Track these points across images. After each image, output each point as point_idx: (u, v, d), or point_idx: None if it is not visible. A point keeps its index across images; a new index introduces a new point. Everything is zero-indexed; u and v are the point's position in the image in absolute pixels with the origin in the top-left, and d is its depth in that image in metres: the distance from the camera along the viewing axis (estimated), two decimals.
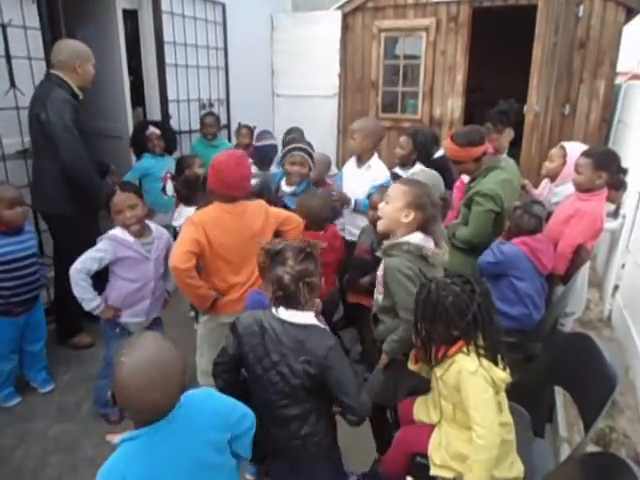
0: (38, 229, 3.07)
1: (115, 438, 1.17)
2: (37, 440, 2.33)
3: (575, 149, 2.81)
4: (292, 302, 1.46)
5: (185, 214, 2.83)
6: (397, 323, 1.85)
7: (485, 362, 1.49)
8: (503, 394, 1.56)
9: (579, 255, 2.46)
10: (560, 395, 2.42)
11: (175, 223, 2.99)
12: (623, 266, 3.36)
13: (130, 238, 2.28)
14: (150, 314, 2.43)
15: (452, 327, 1.50)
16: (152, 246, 2.35)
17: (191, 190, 3.02)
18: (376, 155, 3.15)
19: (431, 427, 1.68)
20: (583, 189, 2.57)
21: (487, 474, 1.42)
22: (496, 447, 1.44)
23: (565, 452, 2.13)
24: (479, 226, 2.58)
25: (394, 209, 1.84)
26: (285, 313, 1.48)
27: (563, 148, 2.90)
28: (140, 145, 3.63)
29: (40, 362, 2.67)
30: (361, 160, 3.15)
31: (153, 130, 3.57)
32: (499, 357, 1.51)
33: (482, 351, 1.49)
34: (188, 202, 2.97)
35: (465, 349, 1.50)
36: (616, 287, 3.40)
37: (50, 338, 3.01)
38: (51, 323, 3.11)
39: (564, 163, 2.85)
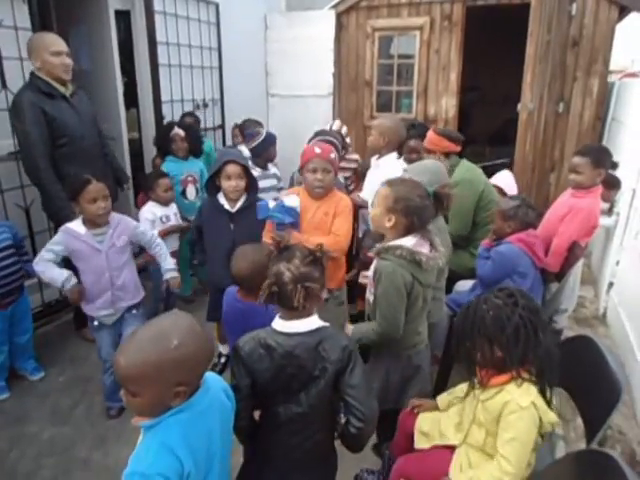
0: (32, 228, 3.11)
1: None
2: (31, 443, 2.31)
3: (502, 180, 3.24)
4: (284, 302, 1.36)
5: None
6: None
7: (540, 401, 1.38)
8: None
9: (573, 252, 2.46)
10: (555, 393, 2.42)
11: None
12: (618, 263, 3.37)
13: (81, 230, 2.25)
14: (116, 305, 2.37)
15: (494, 344, 1.38)
16: (104, 236, 2.29)
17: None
18: (392, 155, 3.03)
19: (433, 455, 1.61)
20: (583, 188, 2.57)
21: None
22: None
23: (561, 449, 2.13)
24: (459, 215, 2.72)
25: (379, 213, 1.81)
26: (288, 325, 1.38)
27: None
28: (164, 146, 3.57)
29: (28, 352, 2.74)
30: (379, 158, 3.11)
31: (177, 131, 3.49)
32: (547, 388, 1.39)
33: (533, 378, 1.37)
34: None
35: (517, 380, 1.39)
36: (611, 284, 3.41)
37: (42, 340, 3.01)
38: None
39: None
